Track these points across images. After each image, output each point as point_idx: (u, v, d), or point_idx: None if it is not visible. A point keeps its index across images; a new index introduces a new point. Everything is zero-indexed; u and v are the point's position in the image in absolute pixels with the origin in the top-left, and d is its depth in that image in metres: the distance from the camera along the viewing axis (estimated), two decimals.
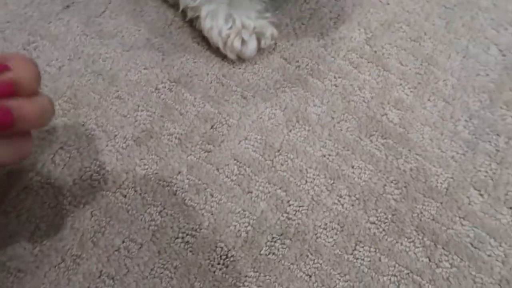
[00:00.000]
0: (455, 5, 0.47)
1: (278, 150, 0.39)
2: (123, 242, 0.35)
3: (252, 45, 0.41)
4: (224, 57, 0.42)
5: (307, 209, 0.37)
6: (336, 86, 0.42)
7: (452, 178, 0.39)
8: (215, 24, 0.40)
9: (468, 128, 0.41)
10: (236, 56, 0.41)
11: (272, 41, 0.42)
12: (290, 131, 0.40)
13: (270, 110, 0.40)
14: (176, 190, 0.37)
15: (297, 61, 0.43)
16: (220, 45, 0.41)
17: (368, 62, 0.43)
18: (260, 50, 0.42)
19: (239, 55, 0.41)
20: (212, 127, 0.40)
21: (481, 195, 0.38)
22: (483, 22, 0.46)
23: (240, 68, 0.42)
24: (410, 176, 0.38)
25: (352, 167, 0.39)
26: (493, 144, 0.40)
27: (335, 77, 0.42)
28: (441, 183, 0.38)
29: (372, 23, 0.45)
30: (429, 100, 0.42)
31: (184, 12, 0.43)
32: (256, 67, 0.42)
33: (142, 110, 0.40)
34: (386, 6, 0.46)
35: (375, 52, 0.44)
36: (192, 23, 0.43)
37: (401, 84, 0.42)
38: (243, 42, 0.41)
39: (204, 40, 0.43)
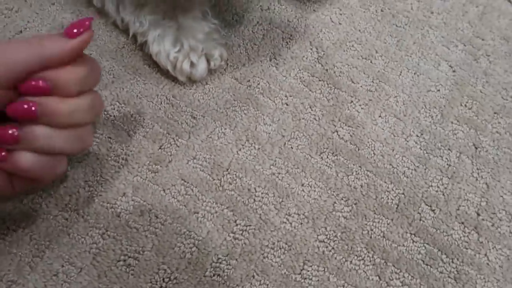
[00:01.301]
0: (406, 23, 0.47)
1: (227, 169, 0.38)
2: (62, 266, 0.34)
3: (201, 67, 0.41)
4: (174, 78, 0.42)
5: (255, 229, 0.36)
6: (287, 104, 0.42)
7: (403, 194, 0.38)
8: (162, 48, 0.40)
9: (419, 144, 0.40)
10: (187, 78, 0.41)
11: (221, 62, 0.42)
12: (240, 150, 0.39)
13: (219, 130, 0.40)
14: (120, 212, 0.36)
15: (248, 81, 0.43)
16: (170, 68, 0.41)
17: (320, 81, 0.43)
18: (210, 71, 0.42)
19: (189, 77, 0.41)
20: (160, 147, 0.39)
21: (433, 210, 0.37)
22: (433, 39, 0.47)
23: (190, 89, 0.42)
24: (360, 192, 0.38)
25: (302, 185, 0.38)
26: (444, 159, 0.40)
27: (286, 96, 0.42)
28: (392, 199, 0.38)
29: (324, 42, 0.46)
30: (380, 116, 0.42)
31: (135, 37, 0.43)
32: (207, 88, 0.42)
33: None
34: (338, 26, 0.47)
35: (327, 70, 0.44)
36: (143, 47, 0.43)
37: (352, 101, 0.42)
38: (192, 64, 0.41)
39: (155, 63, 0.43)
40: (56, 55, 0.25)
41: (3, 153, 0.25)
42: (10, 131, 0.25)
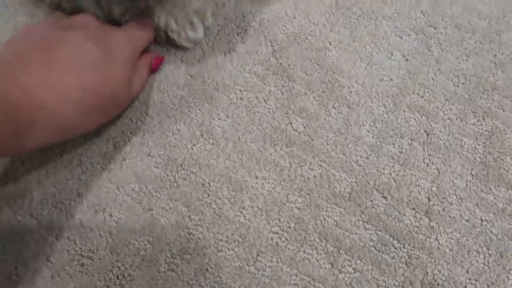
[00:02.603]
0: (360, 15, 0.48)
1: (181, 165, 0.39)
2: (16, 268, 0.34)
3: (200, 27, 0.44)
4: None
5: (209, 223, 0.36)
6: (242, 99, 0.42)
7: (355, 182, 0.39)
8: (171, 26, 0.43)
9: (372, 132, 0.41)
10: (192, 44, 0.44)
11: (213, 19, 0.45)
12: (194, 145, 0.40)
13: (174, 126, 0.40)
14: (74, 213, 0.36)
15: (203, 77, 0.43)
16: (177, 39, 0.43)
17: (274, 74, 0.44)
18: (207, 31, 0.45)
19: (194, 42, 0.44)
20: (114, 146, 0.39)
21: (384, 197, 0.38)
22: (387, 29, 0.47)
23: (145, 88, 0.42)
24: (314, 183, 0.38)
25: (256, 177, 0.39)
26: (396, 146, 0.40)
27: (240, 91, 0.43)
28: (344, 188, 0.38)
29: (279, 36, 0.46)
30: (333, 107, 0.42)
31: None
32: (162, 85, 0.42)
33: None
34: (292, 20, 0.47)
35: (281, 64, 0.44)
36: None
37: (306, 93, 0.43)
38: (193, 28, 0.43)
39: None
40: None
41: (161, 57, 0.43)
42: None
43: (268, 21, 0.47)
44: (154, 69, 0.42)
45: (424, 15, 0.48)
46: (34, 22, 0.46)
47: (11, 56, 0.30)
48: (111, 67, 0.33)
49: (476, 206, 0.38)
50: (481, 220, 0.38)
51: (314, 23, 0.47)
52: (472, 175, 0.39)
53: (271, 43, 0.46)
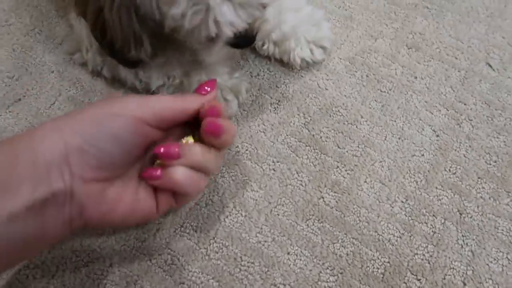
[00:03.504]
0: (390, 88, 0.49)
1: (213, 238, 0.39)
2: None
3: (234, 103, 0.45)
4: None
5: None
6: (274, 170, 0.43)
7: (388, 262, 0.38)
8: None
9: (404, 210, 0.41)
10: None
11: (248, 95, 0.46)
12: (227, 217, 0.40)
13: (207, 197, 0.41)
14: (106, 283, 0.36)
15: (237, 147, 0.44)
16: None
17: (306, 146, 0.44)
18: (240, 105, 0.46)
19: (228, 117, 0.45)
20: None
21: (418, 280, 0.38)
22: (417, 104, 0.48)
23: None
24: (346, 261, 0.38)
25: (288, 253, 0.38)
26: (429, 226, 0.40)
27: (273, 161, 0.43)
28: (377, 268, 0.38)
29: (311, 108, 0.47)
30: (365, 182, 0.42)
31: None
32: None
33: None
34: (324, 91, 0.48)
35: (313, 135, 0.45)
36: None
37: (338, 167, 0.43)
38: (226, 102, 0.44)
39: None
40: (194, 108, 0.31)
41: (158, 172, 0.30)
42: (175, 148, 0.30)
43: (300, 92, 0.48)
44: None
45: (453, 91, 0.49)
46: (77, 87, 0.48)
47: None
48: None
49: None
50: None
51: (345, 96, 0.48)
52: (508, 259, 0.39)
53: (304, 114, 0.47)
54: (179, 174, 0.30)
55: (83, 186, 0.26)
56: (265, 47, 0.49)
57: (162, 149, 0.30)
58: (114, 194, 0.28)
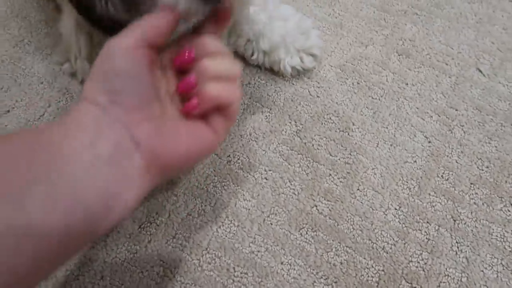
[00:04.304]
0: (382, 95, 0.49)
1: (206, 248, 0.38)
2: None
3: None
4: None
5: None
6: (267, 179, 0.42)
7: (383, 270, 0.38)
8: None
9: (398, 217, 0.41)
10: None
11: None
12: (219, 227, 0.40)
13: (200, 207, 0.40)
14: None
15: (228, 156, 0.44)
16: None
17: (298, 154, 0.44)
18: None
19: None
20: (140, 226, 0.39)
21: (413, 287, 0.37)
22: (408, 110, 0.48)
23: None
24: (340, 270, 0.38)
25: (281, 263, 0.38)
26: (423, 233, 0.40)
27: (265, 170, 0.43)
28: (372, 276, 0.38)
29: (303, 116, 0.47)
30: (358, 189, 0.42)
31: None
32: None
33: None
34: (315, 99, 0.48)
35: (305, 143, 0.45)
36: None
37: (330, 175, 0.43)
38: None
39: None
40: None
41: (194, 102, 0.29)
42: (189, 79, 0.30)
43: (292, 100, 0.48)
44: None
45: (444, 96, 0.49)
46: (66, 97, 0.48)
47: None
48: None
49: None
50: None
51: (337, 103, 0.48)
52: (503, 265, 0.38)
53: (295, 122, 0.46)
54: (211, 89, 0.29)
55: (138, 127, 0.26)
56: (254, 57, 0.49)
57: (180, 87, 0.30)
58: (169, 127, 0.28)
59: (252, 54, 0.49)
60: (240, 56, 0.50)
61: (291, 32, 0.49)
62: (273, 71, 0.50)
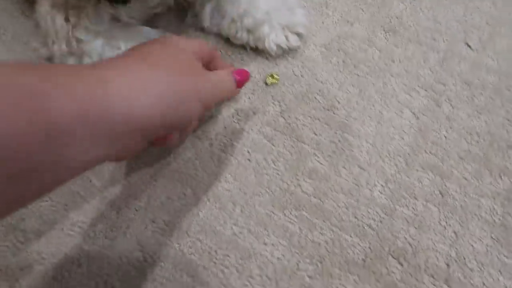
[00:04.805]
0: (368, 73, 0.48)
1: (186, 232, 0.37)
2: None
3: None
4: None
5: None
6: (250, 160, 0.41)
7: (369, 248, 0.37)
8: None
9: (384, 193, 0.40)
10: None
11: None
12: (200, 210, 0.38)
13: (180, 190, 0.39)
14: (75, 285, 0.35)
15: (210, 138, 0.43)
16: None
17: (282, 134, 0.43)
18: None
19: None
20: (118, 212, 0.38)
21: (400, 264, 0.36)
22: (395, 87, 0.47)
23: (151, 148, 0.42)
24: (325, 249, 0.37)
25: (265, 244, 0.37)
26: (410, 208, 0.39)
27: (248, 152, 0.42)
28: (357, 254, 0.36)
29: (287, 96, 0.46)
30: (344, 167, 0.41)
31: None
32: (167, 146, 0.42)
33: (46, 200, 0.38)
34: (300, 79, 0.47)
35: (289, 124, 0.44)
36: None
37: (315, 154, 0.42)
38: None
39: None
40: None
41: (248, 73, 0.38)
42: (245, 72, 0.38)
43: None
44: (240, 85, 0.38)
45: (432, 72, 0.48)
46: None
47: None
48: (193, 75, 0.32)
49: (499, 273, 0.36)
50: None
51: (321, 82, 0.47)
52: (492, 238, 0.37)
53: (279, 102, 0.45)
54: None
55: None
56: (238, 35, 0.48)
57: (243, 77, 0.37)
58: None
59: (236, 33, 0.48)
60: (223, 38, 0.49)
61: (276, 8, 0.47)
62: (258, 50, 0.48)
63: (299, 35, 0.49)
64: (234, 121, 0.44)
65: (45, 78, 0.22)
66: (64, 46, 0.44)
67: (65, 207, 0.38)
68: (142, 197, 0.39)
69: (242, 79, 0.37)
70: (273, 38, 0.47)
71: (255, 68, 0.48)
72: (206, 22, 0.50)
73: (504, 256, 0.36)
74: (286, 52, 0.49)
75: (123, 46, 0.44)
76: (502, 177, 0.41)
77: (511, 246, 0.37)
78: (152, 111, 0.26)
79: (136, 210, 0.38)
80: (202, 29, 0.50)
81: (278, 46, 0.48)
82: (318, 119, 0.44)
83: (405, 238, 0.37)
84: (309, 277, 0.35)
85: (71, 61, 0.45)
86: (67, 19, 0.44)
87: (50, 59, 0.46)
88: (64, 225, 0.37)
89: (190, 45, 0.33)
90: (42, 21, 0.45)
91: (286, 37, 0.48)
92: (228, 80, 0.36)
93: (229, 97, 0.44)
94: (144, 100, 0.26)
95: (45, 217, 0.37)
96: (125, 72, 0.26)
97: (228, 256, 0.36)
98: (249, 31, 0.48)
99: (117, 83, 0.25)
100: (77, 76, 0.24)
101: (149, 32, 0.47)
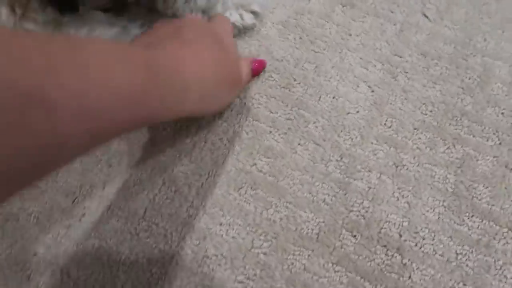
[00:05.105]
0: (324, 48, 0.48)
1: (142, 217, 0.37)
2: None
3: None
4: None
5: (170, 276, 0.35)
6: (205, 142, 0.41)
7: (323, 222, 0.37)
8: None
9: (339, 168, 0.40)
10: None
11: None
12: (156, 194, 0.39)
13: (135, 176, 0.39)
14: (30, 274, 0.35)
15: (167, 122, 0.42)
16: None
17: (238, 114, 0.43)
18: None
19: None
20: (73, 201, 0.38)
21: (354, 236, 0.37)
22: (352, 61, 0.47)
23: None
24: (280, 226, 0.37)
25: (220, 224, 0.37)
26: (365, 181, 0.39)
27: (204, 133, 0.42)
28: (312, 229, 0.37)
29: None
30: (299, 144, 0.41)
31: None
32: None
33: None
34: (256, 57, 0.47)
35: (245, 103, 0.44)
36: None
37: (271, 132, 0.42)
38: None
39: None
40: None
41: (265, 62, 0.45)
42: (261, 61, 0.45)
43: None
44: (255, 73, 0.44)
45: (389, 44, 0.48)
46: None
47: (154, 38, 0.33)
48: (227, 49, 0.37)
49: (450, 239, 0.36)
50: (456, 253, 0.36)
51: (277, 60, 0.47)
52: (444, 207, 0.38)
53: None
54: None
55: None
56: (193, 15, 0.48)
57: (259, 66, 0.43)
58: None
59: (191, 14, 0.47)
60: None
61: None
62: None
63: (254, 13, 0.49)
64: None
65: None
66: (11, 17, 0.43)
67: (20, 198, 0.38)
68: (98, 185, 0.39)
69: (259, 68, 0.43)
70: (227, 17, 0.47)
71: None
72: (160, 4, 0.49)
73: (455, 223, 0.37)
74: (242, 32, 0.48)
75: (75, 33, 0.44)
76: (456, 145, 0.41)
77: (462, 214, 0.37)
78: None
79: (92, 198, 0.38)
80: (157, 11, 0.49)
81: (233, 25, 0.47)
82: (274, 98, 0.44)
83: (359, 211, 0.38)
84: (264, 253, 0.36)
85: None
86: (12, 10, 0.43)
87: None
88: (20, 216, 0.37)
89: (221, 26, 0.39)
90: None
91: (241, 16, 0.48)
92: (247, 67, 0.42)
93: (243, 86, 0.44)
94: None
95: (1, 209, 0.37)
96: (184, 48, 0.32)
97: (184, 238, 0.36)
98: (203, 11, 0.48)
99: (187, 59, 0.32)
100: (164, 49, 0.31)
101: (100, 16, 0.47)
